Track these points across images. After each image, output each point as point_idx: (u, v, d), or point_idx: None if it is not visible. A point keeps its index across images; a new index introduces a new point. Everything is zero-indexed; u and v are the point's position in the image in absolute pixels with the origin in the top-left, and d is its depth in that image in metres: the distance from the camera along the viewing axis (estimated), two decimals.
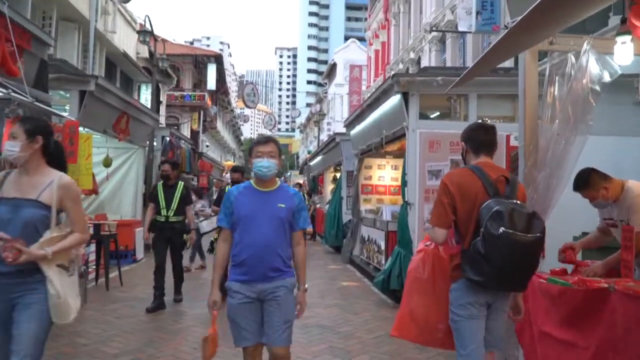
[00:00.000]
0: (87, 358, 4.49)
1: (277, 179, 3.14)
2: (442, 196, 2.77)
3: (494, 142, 2.94)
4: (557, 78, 3.77)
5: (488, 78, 7.38)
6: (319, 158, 19.48)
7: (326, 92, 47.87)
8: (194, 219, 7.33)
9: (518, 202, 2.68)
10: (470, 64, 12.62)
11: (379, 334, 5.39)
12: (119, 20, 18.13)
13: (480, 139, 2.91)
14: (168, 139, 13.21)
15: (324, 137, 35.25)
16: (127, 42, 19.37)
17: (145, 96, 23.99)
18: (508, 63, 11.32)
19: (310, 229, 15.81)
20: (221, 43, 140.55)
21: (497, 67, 10.80)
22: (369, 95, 9.68)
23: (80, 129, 7.97)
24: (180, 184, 6.69)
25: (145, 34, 14.65)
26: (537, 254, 2.69)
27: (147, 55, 23.45)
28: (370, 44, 29.60)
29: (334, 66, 44.27)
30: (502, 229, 2.50)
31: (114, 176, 11.31)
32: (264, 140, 3.08)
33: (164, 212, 6.40)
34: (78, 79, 7.59)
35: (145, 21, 15.05)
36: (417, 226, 6.89)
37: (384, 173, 11.42)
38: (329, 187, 17.43)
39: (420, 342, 3.29)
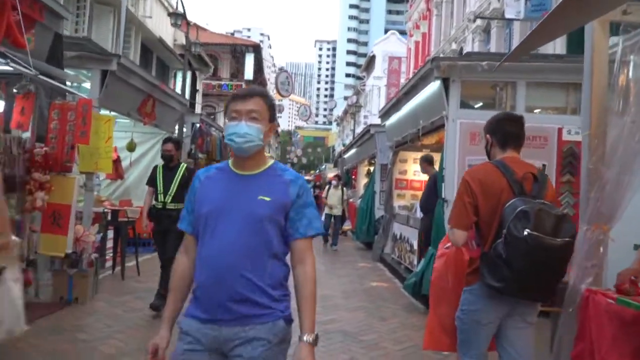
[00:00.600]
0: (82, 358, 4.11)
1: (266, 155, 2.03)
2: (464, 195, 2.54)
3: (523, 134, 2.71)
4: (632, 57, 3.13)
5: (539, 64, 6.66)
6: (353, 151, 18.90)
7: (364, 85, 47.12)
8: None
9: (546, 202, 2.43)
10: None
11: (407, 345, 4.81)
12: (155, 5, 17.98)
13: (507, 130, 2.68)
14: (198, 125, 12.85)
15: (360, 130, 34.63)
16: (163, 28, 19.22)
17: (180, 83, 24.00)
18: (560, 49, 10.48)
19: (347, 226, 15.24)
20: (261, 35, 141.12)
21: (548, 53, 10.01)
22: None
23: (103, 110, 7.70)
24: (183, 165, 5.80)
25: (177, 16, 14.31)
26: (565, 260, 2.43)
27: (184, 42, 23.42)
28: (411, 36, 28.71)
29: (372, 58, 43.38)
30: (527, 231, 2.26)
31: (141, 162, 11.05)
32: (244, 93, 1.93)
33: (160, 197, 5.57)
34: (100, 58, 7.24)
35: (177, 4, 14.75)
36: None
37: (420, 167, 10.74)
38: (362, 181, 16.84)
39: (455, 351, 2.96)
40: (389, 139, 10.51)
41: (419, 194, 10.74)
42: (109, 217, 7.63)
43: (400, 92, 8.70)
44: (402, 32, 43.03)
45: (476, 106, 7.13)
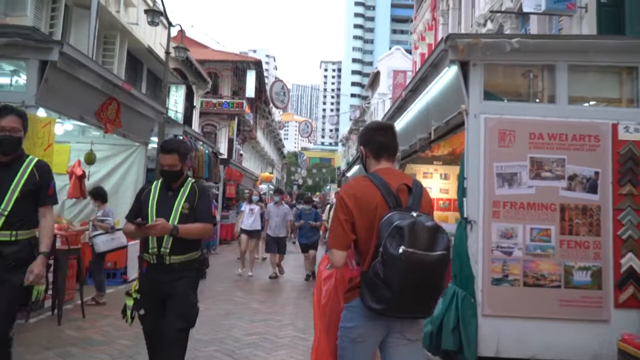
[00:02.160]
0: None
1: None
2: (339, 212, 2.43)
3: (395, 144, 2.63)
4: None
5: (586, 41, 5.22)
6: (355, 168, 17.44)
7: (369, 103, 46.01)
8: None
9: (422, 214, 2.31)
10: None
11: None
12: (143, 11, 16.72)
13: (379, 140, 2.59)
14: (181, 137, 11.47)
15: None
16: (154, 38, 17.98)
17: (175, 98, 22.74)
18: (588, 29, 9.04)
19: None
20: (267, 56, 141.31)
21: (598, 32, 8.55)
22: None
23: (41, 110, 6.32)
24: (189, 182, 3.53)
25: (154, 14, 12.92)
26: (442, 273, 2.29)
27: (183, 58, 22.22)
28: (416, 48, 27.45)
29: (377, 74, 42.17)
30: (402, 248, 2.16)
31: (111, 177, 9.67)
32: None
33: (152, 243, 3.37)
34: (36, 46, 5.87)
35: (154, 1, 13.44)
36: (481, 254, 4.75)
37: (431, 183, 9.25)
38: None
39: None
40: None
41: (435, 214, 9.27)
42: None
43: (406, 90, 7.26)
44: (408, 51, 42.08)
45: (504, 98, 5.65)
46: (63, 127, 8.32)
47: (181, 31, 15.15)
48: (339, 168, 62.85)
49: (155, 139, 11.16)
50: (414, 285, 2.20)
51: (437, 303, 2.41)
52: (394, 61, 39.65)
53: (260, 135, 43.28)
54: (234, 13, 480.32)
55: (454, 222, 9.31)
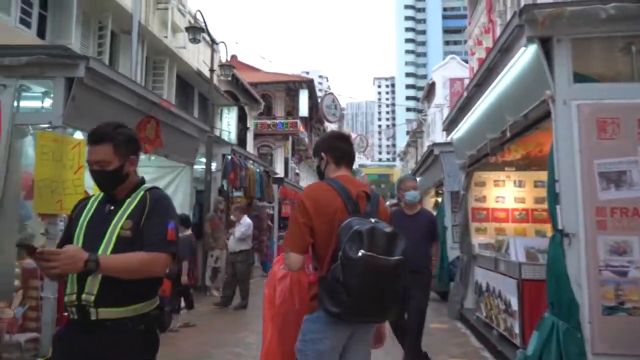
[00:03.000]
0: None
1: None
2: (298, 214, 2.42)
3: (354, 153, 2.74)
4: None
5: None
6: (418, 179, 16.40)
7: (425, 115, 44.72)
8: None
9: (380, 220, 2.35)
10: None
11: None
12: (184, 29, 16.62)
13: (342, 147, 2.65)
14: (230, 157, 10.96)
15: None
16: (202, 60, 17.87)
17: (227, 120, 22.64)
18: None
19: None
20: (320, 77, 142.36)
21: None
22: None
23: (70, 130, 5.89)
24: (140, 191, 2.37)
25: (195, 31, 12.57)
26: (400, 278, 2.29)
27: (229, 77, 22.17)
28: (472, 54, 26.17)
29: (432, 85, 40.87)
30: (361, 252, 2.18)
31: None
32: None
33: (70, 287, 2.17)
34: (61, 62, 5.44)
35: (196, 17, 13.14)
36: (585, 275, 3.73)
37: (503, 192, 8.17)
38: None
39: None
40: (458, 156, 8.07)
41: (506, 226, 8.16)
42: None
43: (470, 84, 6.33)
44: (464, 61, 40.63)
45: (599, 79, 4.61)
46: None
47: (230, 55, 14.89)
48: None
49: (203, 159, 10.72)
50: (373, 289, 2.21)
51: (397, 308, 2.36)
52: (449, 71, 38.30)
53: None
54: (285, 36, 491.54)
55: (533, 234, 8.15)
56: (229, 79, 21.72)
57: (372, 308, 2.27)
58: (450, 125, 8.17)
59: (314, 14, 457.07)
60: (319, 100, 35.45)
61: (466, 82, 28.22)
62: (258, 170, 13.09)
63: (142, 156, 8.13)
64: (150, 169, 9.14)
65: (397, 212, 5.17)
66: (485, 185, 8.22)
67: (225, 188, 11.06)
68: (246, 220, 9.05)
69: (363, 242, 2.17)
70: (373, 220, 2.30)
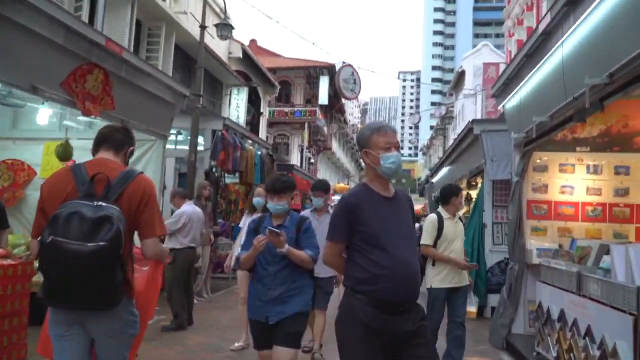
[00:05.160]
0: None
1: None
2: (39, 202, 2.44)
3: (117, 137, 2.57)
4: None
5: None
6: (444, 170, 14.23)
7: (452, 106, 42.31)
8: None
9: (104, 204, 2.23)
10: None
11: None
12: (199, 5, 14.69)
13: (100, 131, 2.62)
14: (220, 133, 9.01)
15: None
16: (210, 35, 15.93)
17: (237, 102, 20.74)
18: None
19: None
20: (343, 62, 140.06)
21: None
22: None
23: None
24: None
25: (224, 27, 10.76)
26: (103, 265, 2.18)
27: (240, 54, 20.25)
28: (510, 36, 23.77)
29: (462, 74, 38.32)
30: (51, 237, 2.14)
31: None
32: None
33: None
34: None
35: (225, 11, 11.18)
36: None
37: (572, 180, 6.08)
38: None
39: None
40: (513, 128, 5.96)
41: (575, 226, 6.06)
42: None
43: (539, 28, 4.20)
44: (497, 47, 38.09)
45: None
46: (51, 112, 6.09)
47: (249, 40, 12.90)
48: (419, 179, 59.37)
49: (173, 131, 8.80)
50: (65, 275, 2.16)
51: (111, 294, 2.23)
52: (481, 59, 35.76)
53: (335, 146, 40.99)
54: (312, 30, 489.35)
55: (611, 238, 6.07)
56: (240, 55, 19.85)
57: (71, 294, 2.20)
58: (504, 89, 6.06)
59: (339, 8, 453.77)
60: (351, 102, 33.02)
61: (502, 67, 25.83)
62: (259, 152, 11.12)
63: (84, 119, 6.23)
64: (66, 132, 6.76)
65: (361, 193, 2.70)
66: (547, 171, 6.14)
67: (213, 170, 9.12)
68: (183, 209, 6.27)
69: (57, 226, 2.17)
70: (96, 203, 2.23)
